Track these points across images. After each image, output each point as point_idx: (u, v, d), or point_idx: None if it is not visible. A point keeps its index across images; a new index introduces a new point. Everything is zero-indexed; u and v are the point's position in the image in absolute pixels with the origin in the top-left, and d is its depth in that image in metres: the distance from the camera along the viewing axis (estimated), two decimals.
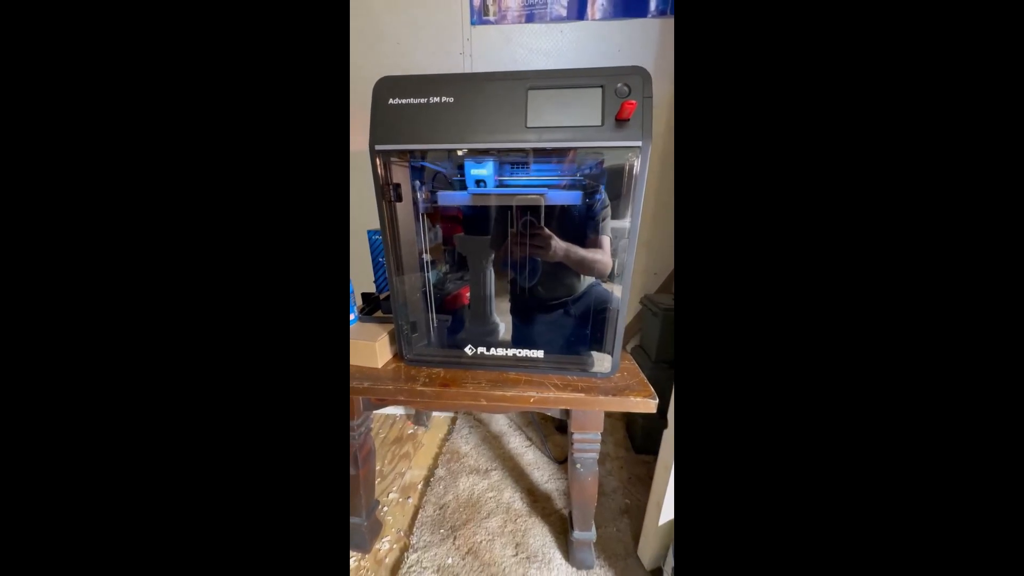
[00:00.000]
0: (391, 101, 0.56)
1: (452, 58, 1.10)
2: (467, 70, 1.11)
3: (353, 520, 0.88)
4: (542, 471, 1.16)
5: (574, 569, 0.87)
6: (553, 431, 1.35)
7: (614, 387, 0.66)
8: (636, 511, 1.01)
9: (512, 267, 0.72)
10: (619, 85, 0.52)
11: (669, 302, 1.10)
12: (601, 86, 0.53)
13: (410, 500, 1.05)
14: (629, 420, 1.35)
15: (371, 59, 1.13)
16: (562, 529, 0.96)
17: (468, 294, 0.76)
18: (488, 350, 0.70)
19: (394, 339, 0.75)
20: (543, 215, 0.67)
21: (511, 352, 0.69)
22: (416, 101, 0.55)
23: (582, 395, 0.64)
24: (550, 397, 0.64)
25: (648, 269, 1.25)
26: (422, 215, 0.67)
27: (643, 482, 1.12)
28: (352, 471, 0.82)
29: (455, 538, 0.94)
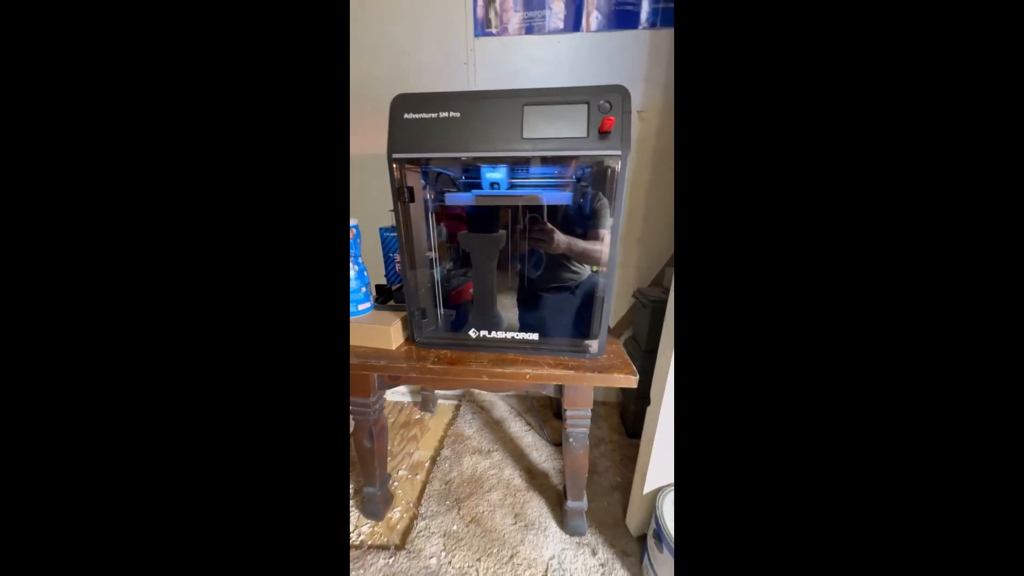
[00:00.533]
0: (406, 116, 0.65)
1: (457, 67, 1.19)
2: (471, 78, 1.19)
3: (368, 490, 0.98)
4: (540, 452, 1.25)
5: (567, 536, 0.95)
6: (551, 417, 1.44)
7: (600, 366, 0.74)
8: (625, 487, 1.10)
9: (513, 259, 0.81)
10: (601, 102, 0.60)
11: (658, 294, 1.18)
12: (587, 102, 0.61)
13: (418, 477, 1.15)
14: (623, 408, 1.43)
15: (380, 68, 1.21)
16: (557, 502, 1.04)
17: (472, 288, 0.85)
18: (490, 333, 0.78)
19: (406, 324, 0.84)
20: (546, 212, 0.75)
21: (510, 335, 0.78)
22: (427, 116, 0.64)
23: (572, 372, 0.72)
24: (544, 374, 0.73)
25: (641, 264, 1.32)
26: (431, 213, 0.76)
27: (633, 462, 1.20)
28: (367, 444, 0.91)
29: (460, 509, 1.03)
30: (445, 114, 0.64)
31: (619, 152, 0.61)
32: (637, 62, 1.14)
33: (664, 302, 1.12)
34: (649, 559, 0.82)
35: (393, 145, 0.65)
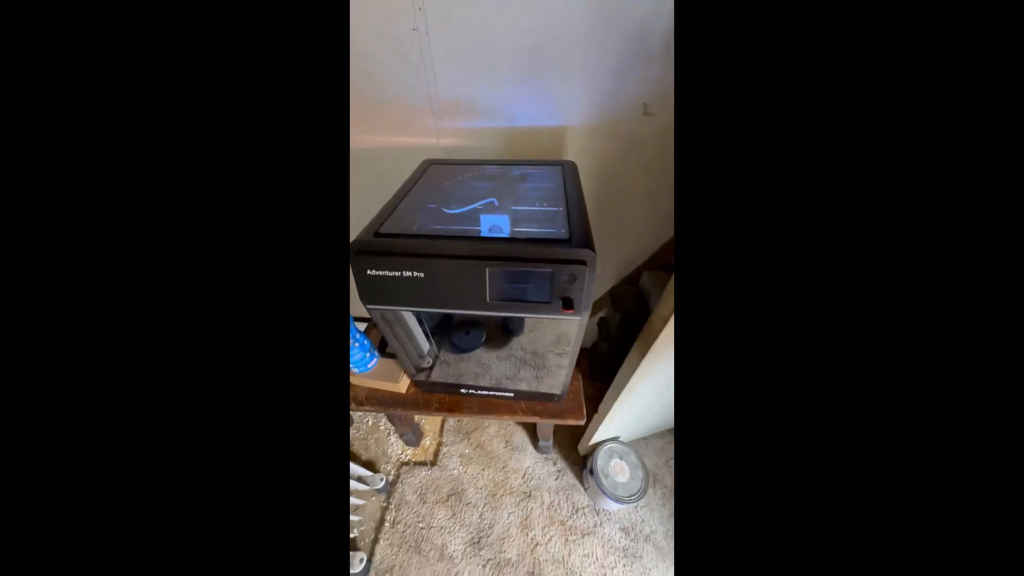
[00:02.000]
0: (369, 272, 0.64)
1: (405, 37, 0.85)
2: (424, 49, 0.88)
3: (405, 436, 1.46)
4: None
5: (539, 455, 1.49)
6: None
7: (560, 409, 1.00)
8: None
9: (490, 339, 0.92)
10: (564, 276, 0.59)
11: (629, 302, 1.29)
12: (551, 271, 0.60)
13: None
14: (591, 354, 1.78)
15: None
16: (534, 433, 1.54)
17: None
18: (476, 391, 1.01)
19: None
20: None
21: (492, 393, 1.00)
22: (391, 274, 0.63)
23: (538, 417, 0.99)
24: (518, 417, 1.00)
25: (626, 258, 1.36)
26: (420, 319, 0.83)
27: (591, 402, 1.65)
28: (398, 421, 1.31)
29: (469, 438, 1.54)
30: (408, 273, 0.63)
31: (579, 319, 0.65)
32: (650, 32, 0.81)
33: (630, 310, 1.27)
34: (585, 474, 1.35)
35: (364, 296, 0.68)
